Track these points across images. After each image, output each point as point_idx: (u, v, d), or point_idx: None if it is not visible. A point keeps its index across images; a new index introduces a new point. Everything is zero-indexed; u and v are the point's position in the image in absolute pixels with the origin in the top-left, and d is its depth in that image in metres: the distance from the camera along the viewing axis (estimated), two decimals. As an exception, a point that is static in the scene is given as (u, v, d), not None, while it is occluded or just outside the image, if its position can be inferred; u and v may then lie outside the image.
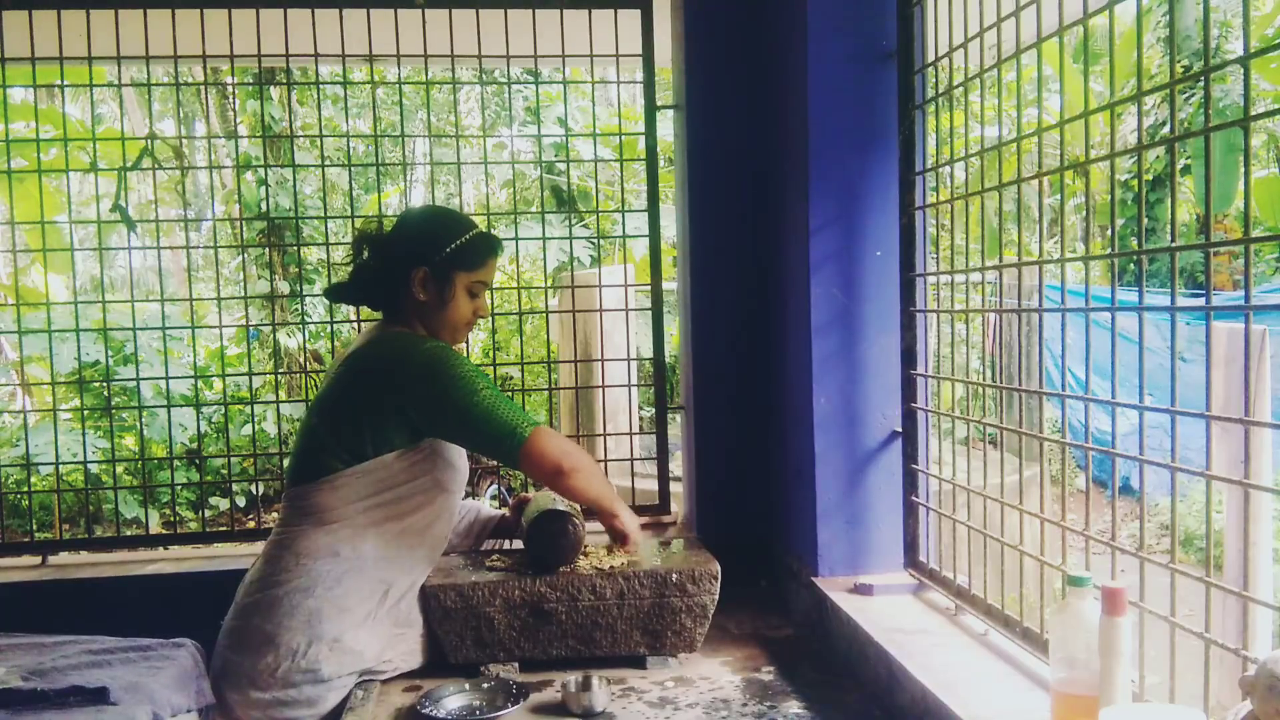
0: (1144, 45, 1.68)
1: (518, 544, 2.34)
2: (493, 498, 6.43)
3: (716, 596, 2.09)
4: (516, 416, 1.97)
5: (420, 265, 2.04)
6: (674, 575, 2.06)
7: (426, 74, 3.18)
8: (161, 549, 3.18)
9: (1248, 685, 1.10)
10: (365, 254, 2.13)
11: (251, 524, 3.27)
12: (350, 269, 2.15)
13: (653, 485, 3.04)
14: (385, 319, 2.15)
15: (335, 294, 2.18)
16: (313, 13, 2.76)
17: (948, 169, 2.08)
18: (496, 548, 2.40)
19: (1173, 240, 1.47)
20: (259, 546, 2.34)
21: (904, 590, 2.21)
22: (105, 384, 3.98)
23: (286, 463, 2.27)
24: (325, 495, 2.00)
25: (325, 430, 2.03)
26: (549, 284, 6.68)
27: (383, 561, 2.01)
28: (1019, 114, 2.01)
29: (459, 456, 2.13)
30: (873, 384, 2.33)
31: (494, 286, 3.13)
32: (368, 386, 2.01)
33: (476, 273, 2.10)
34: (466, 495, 2.41)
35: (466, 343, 3.54)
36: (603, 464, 3.28)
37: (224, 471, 6.43)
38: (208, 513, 6.99)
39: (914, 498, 2.23)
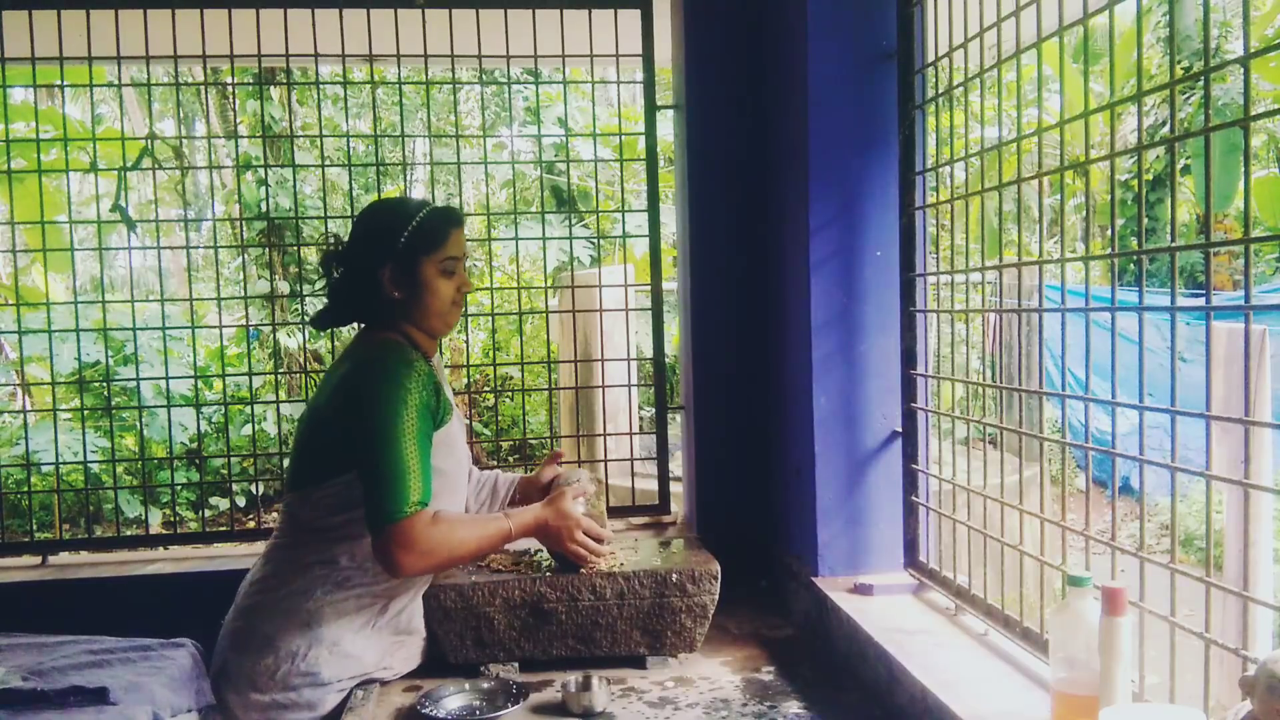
0: (1144, 45, 1.68)
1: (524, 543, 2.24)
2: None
3: (716, 596, 2.09)
4: (414, 490, 1.84)
5: (384, 262, 1.96)
6: (674, 575, 2.06)
7: (426, 74, 3.18)
8: (161, 549, 3.19)
9: (1248, 685, 1.10)
10: (335, 273, 2.06)
11: (251, 524, 3.27)
12: (326, 293, 2.08)
13: (653, 485, 3.04)
14: (372, 325, 2.07)
15: (320, 321, 2.10)
16: (313, 13, 2.76)
17: (948, 169, 2.08)
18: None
19: (1173, 240, 1.47)
20: (259, 546, 2.34)
21: (904, 590, 2.21)
22: (105, 384, 3.97)
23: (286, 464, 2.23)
24: (318, 505, 1.96)
25: (312, 440, 2.01)
26: (549, 284, 6.68)
27: (384, 574, 1.93)
28: (1019, 114, 2.01)
29: (453, 450, 2.05)
30: (873, 384, 2.33)
31: (494, 286, 3.15)
32: (344, 398, 1.94)
33: (442, 250, 1.98)
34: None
35: (466, 343, 3.56)
36: (603, 464, 3.28)
37: (224, 471, 6.44)
38: (208, 513, 6.99)
39: (914, 498, 2.23)
